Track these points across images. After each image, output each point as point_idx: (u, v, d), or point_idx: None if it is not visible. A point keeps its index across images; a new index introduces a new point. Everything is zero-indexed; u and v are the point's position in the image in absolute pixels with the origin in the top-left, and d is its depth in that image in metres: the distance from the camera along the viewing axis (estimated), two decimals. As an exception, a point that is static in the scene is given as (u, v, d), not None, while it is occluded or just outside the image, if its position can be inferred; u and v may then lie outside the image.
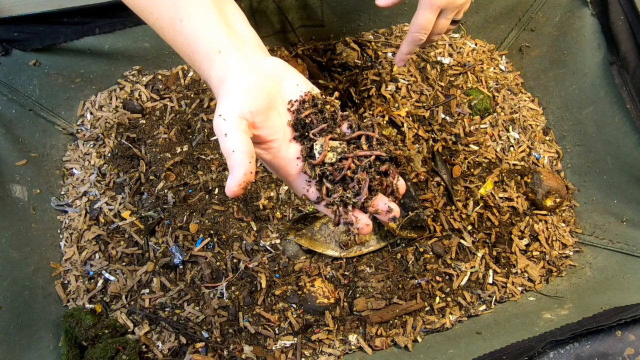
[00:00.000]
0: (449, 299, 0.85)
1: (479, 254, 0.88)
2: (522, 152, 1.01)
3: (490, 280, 0.87)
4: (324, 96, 0.50)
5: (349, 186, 0.47)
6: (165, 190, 0.89)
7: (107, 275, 0.84)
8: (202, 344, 0.79)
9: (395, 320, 0.83)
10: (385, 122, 0.98)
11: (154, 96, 0.98)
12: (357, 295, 0.84)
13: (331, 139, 0.48)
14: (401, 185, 0.50)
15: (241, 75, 0.45)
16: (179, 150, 0.92)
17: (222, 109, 0.43)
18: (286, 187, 0.90)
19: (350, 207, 0.47)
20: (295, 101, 0.49)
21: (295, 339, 0.80)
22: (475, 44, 1.12)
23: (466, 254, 0.89)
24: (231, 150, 0.41)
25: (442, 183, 0.94)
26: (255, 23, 0.98)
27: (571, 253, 0.93)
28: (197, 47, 0.47)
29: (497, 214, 0.93)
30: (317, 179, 0.48)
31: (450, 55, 1.09)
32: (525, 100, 1.08)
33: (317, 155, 0.47)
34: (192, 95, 0.98)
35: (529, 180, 0.96)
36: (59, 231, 0.87)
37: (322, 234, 0.87)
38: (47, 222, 0.86)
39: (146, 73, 1.00)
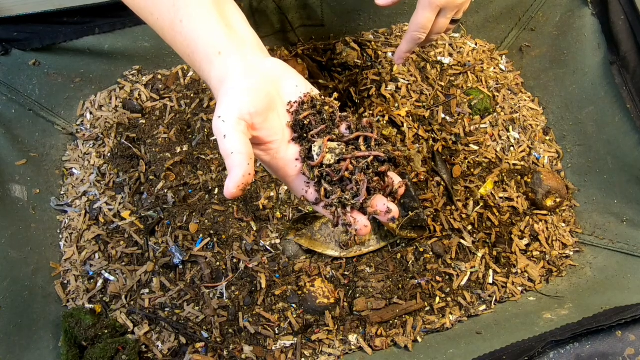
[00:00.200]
0: (449, 299, 0.85)
1: (479, 254, 0.88)
2: (522, 152, 1.01)
3: (490, 280, 0.87)
4: (323, 97, 0.50)
5: (347, 187, 0.47)
6: (165, 190, 0.89)
7: (106, 275, 0.84)
8: (202, 344, 0.79)
9: (396, 320, 0.83)
10: (385, 121, 0.98)
11: (153, 96, 0.98)
12: (357, 295, 0.84)
13: (330, 140, 0.48)
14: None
15: (241, 76, 0.45)
16: (178, 150, 0.92)
17: (221, 110, 0.43)
18: (286, 187, 0.90)
19: (348, 209, 0.47)
20: (294, 102, 0.49)
21: (295, 339, 0.80)
22: (476, 44, 1.12)
23: (466, 254, 0.89)
24: (230, 152, 0.41)
25: (442, 183, 0.94)
26: (255, 23, 0.98)
27: (571, 253, 0.93)
28: (197, 48, 0.46)
29: (497, 214, 0.93)
30: (316, 180, 0.48)
31: (451, 55, 1.09)
32: (525, 100, 1.07)
33: (315, 156, 0.47)
34: (192, 95, 0.98)
35: (529, 180, 0.96)
36: (58, 231, 0.87)
37: (322, 234, 0.87)
38: (47, 222, 0.86)
39: (146, 73, 0.99)
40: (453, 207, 0.92)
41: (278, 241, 0.87)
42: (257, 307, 0.82)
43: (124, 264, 0.85)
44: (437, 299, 0.85)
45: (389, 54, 1.07)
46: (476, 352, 0.69)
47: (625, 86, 0.85)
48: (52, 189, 0.90)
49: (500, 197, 0.95)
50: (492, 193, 0.95)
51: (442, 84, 1.05)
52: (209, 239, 0.86)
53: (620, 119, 0.87)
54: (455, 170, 0.95)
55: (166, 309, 0.82)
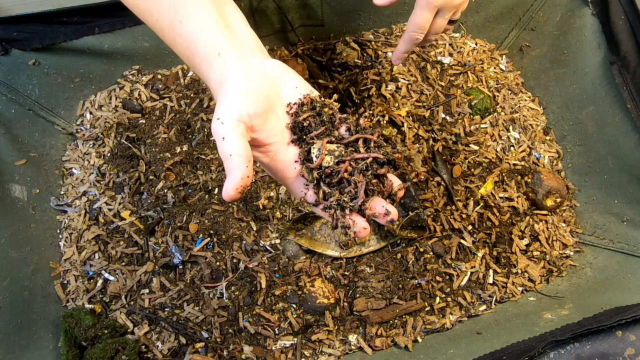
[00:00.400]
0: (449, 299, 0.85)
1: (479, 254, 0.88)
2: (522, 151, 1.01)
3: (490, 280, 0.87)
4: (322, 99, 0.50)
5: (346, 190, 0.47)
6: (165, 190, 0.89)
7: (106, 275, 0.84)
8: (201, 344, 0.79)
9: (396, 321, 0.83)
10: (385, 121, 0.98)
11: (153, 96, 0.98)
12: (357, 295, 0.84)
13: (329, 142, 0.48)
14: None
15: (240, 78, 0.45)
16: (178, 150, 0.92)
17: (220, 111, 0.43)
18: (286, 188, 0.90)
19: (347, 211, 0.46)
20: (294, 104, 0.49)
21: (295, 339, 0.80)
22: (476, 44, 1.12)
23: (466, 254, 0.89)
24: (229, 154, 0.41)
25: (443, 183, 0.94)
26: (255, 22, 0.98)
27: (572, 253, 0.93)
28: (196, 49, 0.46)
29: (497, 214, 0.93)
30: (315, 182, 0.48)
31: (451, 54, 1.09)
32: (525, 100, 1.07)
33: (314, 158, 0.47)
34: (191, 95, 0.98)
35: (529, 180, 0.96)
36: (58, 231, 0.87)
37: (322, 234, 0.87)
38: (47, 222, 0.86)
39: (146, 73, 0.99)
40: (453, 207, 0.92)
41: (278, 241, 0.87)
42: (257, 307, 0.82)
43: (123, 264, 0.85)
44: (437, 299, 0.85)
45: (389, 54, 1.07)
46: (476, 352, 0.69)
47: (625, 86, 0.85)
48: (51, 189, 0.89)
49: (501, 197, 0.95)
50: (492, 193, 0.95)
51: (442, 83, 1.05)
52: (208, 239, 0.86)
53: (621, 119, 0.87)
54: (456, 170, 0.95)
55: (166, 309, 0.81)
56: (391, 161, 0.49)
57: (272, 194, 0.89)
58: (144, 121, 0.96)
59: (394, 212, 0.47)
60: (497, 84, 1.08)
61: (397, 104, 1.00)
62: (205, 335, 0.80)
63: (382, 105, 1.00)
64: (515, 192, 0.96)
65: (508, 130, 1.03)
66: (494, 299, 0.86)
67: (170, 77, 0.99)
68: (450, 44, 1.11)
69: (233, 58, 0.45)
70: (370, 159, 0.47)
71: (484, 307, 0.85)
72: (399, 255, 0.87)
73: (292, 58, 1.02)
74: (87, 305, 0.82)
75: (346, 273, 0.86)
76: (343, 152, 0.47)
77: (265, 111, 0.45)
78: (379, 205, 0.47)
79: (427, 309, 0.84)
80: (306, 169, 0.48)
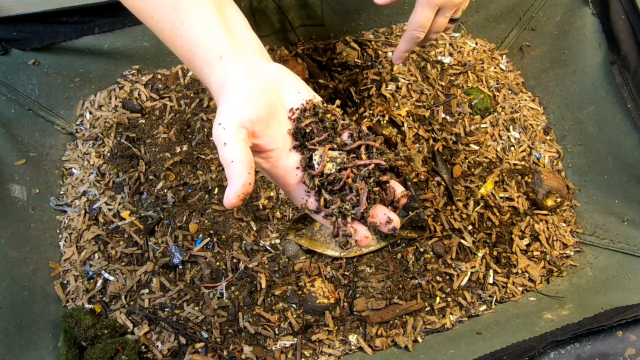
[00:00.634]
0: (449, 299, 0.85)
1: (480, 254, 0.88)
2: (522, 151, 1.01)
3: (490, 280, 0.87)
4: (325, 105, 0.49)
5: (347, 197, 0.46)
6: (165, 190, 0.88)
7: (106, 275, 0.84)
8: (201, 344, 0.79)
9: (396, 321, 0.82)
10: (385, 121, 0.98)
11: (153, 96, 0.98)
12: (357, 295, 0.84)
13: (331, 149, 0.47)
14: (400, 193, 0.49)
15: (241, 81, 0.44)
16: (178, 149, 0.92)
17: (221, 116, 0.42)
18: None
19: (349, 219, 0.46)
20: (296, 109, 0.48)
21: (295, 339, 0.80)
22: (476, 43, 1.12)
23: (466, 254, 0.89)
24: (230, 160, 0.40)
25: (443, 183, 0.94)
26: (255, 22, 0.98)
27: (572, 253, 0.93)
28: (197, 52, 0.46)
29: (497, 214, 0.92)
30: (316, 189, 0.47)
31: (451, 54, 1.09)
32: (525, 100, 1.07)
33: (316, 165, 0.46)
34: (191, 95, 0.98)
35: (529, 180, 0.96)
36: (58, 231, 0.87)
37: (322, 234, 0.87)
38: (46, 222, 0.86)
39: (146, 72, 0.99)
40: (453, 207, 0.92)
41: (278, 241, 0.86)
42: (257, 307, 0.82)
43: (123, 264, 0.84)
44: (438, 299, 0.85)
45: (389, 54, 1.07)
46: (476, 352, 0.69)
47: (625, 86, 0.85)
48: (51, 189, 0.89)
49: (501, 197, 0.95)
50: (492, 193, 0.94)
51: (443, 83, 1.04)
52: (208, 239, 0.85)
53: (621, 119, 0.87)
54: (456, 170, 0.95)
55: (166, 309, 0.81)
56: (393, 168, 0.48)
57: (272, 194, 0.89)
58: (143, 121, 0.95)
59: (396, 220, 0.46)
60: (497, 84, 1.08)
61: (397, 104, 1.00)
62: (205, 335, 0.79)
63: (382, 105, 0.99)
64: (516, 192, 0.95)
65: (508, 130, 1.03)
66: (494, 299, 0.86)
67: (170, 76, 0.99)
68: (451, 44, 1.11)
69: (234, 60, 0.45)
70: (373, 165, 0.46)
71: (484, 307, 0.85)
72: (399, 255, 0.87)
73: (292, 58, 1.02)
74: (87, 305, 0.81)
75: (346, 273, 0.86)
76: (345, 159, 0.47)
77: (267, 116, 0.45)
78: (380, 213, 0.46)
79: (427, 309, 0.84)
80: (308, 175, 0.47)
